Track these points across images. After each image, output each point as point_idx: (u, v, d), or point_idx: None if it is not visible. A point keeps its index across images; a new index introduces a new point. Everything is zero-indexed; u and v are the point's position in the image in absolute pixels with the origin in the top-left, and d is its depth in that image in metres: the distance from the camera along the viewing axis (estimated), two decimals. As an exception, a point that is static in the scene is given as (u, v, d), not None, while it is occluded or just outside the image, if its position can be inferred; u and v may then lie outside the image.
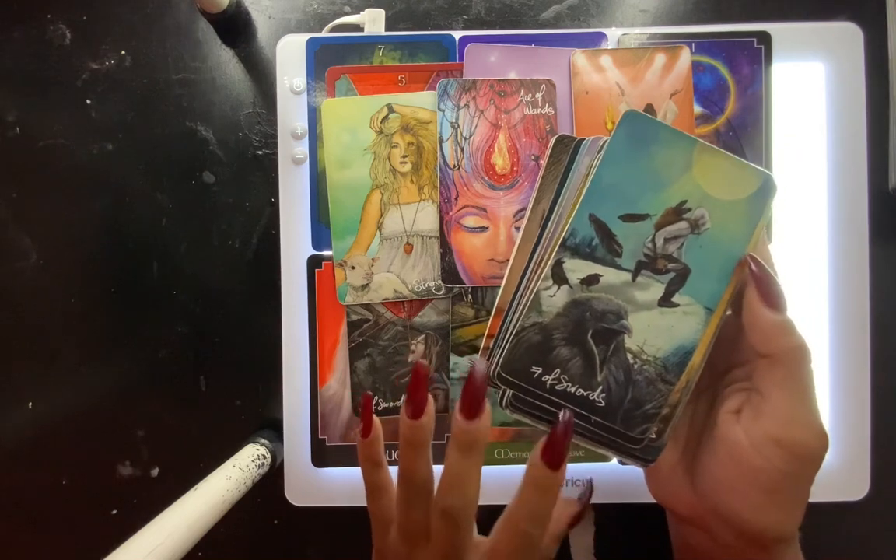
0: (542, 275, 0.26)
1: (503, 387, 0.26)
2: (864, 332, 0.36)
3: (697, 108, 0.35)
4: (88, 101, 0.39)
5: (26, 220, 0.40)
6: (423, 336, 0.36)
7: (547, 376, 0.26)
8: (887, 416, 0.37)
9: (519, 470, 0.37)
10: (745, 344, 0.25)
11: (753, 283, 0.25)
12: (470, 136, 0.35)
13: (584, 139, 0.28)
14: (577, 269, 0.26)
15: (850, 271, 0.36)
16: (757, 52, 0.36)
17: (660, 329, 0.25)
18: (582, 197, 0.26)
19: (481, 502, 0.34)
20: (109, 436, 0.40)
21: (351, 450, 0.37)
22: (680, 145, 0.25)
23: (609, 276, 0.26)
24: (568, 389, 0.26)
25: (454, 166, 0.35)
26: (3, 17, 0.39)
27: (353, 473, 0.37)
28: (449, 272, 0.35)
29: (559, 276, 0.26)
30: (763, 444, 0.23)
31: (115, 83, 0.39)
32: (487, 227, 0.35)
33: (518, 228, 0.35)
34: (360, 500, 0.36)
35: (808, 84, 0.36)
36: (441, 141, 0.35)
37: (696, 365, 0.25)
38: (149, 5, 0.39)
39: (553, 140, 0.28)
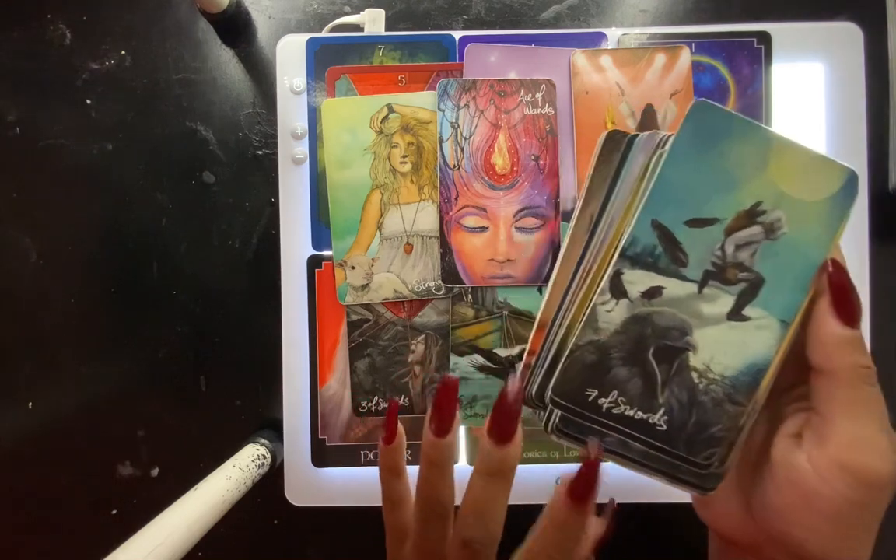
0: (599, 288, 0.24)
1: (555, 409, 0.24)
2: (864, 332, 0.36)
3: (697, 108, 0.35)
4: (88, 101, 0.39)
5: (26, 220, 0.40)
6: (423, 336, 0.36)
7: (603, 399, 0.24)
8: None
9: (523, 470, 0.37)
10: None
11: (829, 291, 0.22)
12: (470, 136, 0.35)
13: (637, 134, 0.25)
14: (637, 280, 0.23)
15: (851, 271, 0.36)
16: (757, 52, 0.36)
17: (729, 345, 0.23)
18: (644, 200, 0.23)
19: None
20: (109, 436, 0.40)
21: (350, 450, 0.37)
22: (755, 139, 0.23)
23: (673, 287, 0.23)
24: (626, 413, 0.24)
25: (454, 166, 0.35)
26: (3, 17, 0.39)
27: (353, 473, 0.37)
28: (449, 272, 0.35)
29: (618, 290, 0.23)
30: (828, 470, 0.22)
31: (115, 83, 0.39)
32: (487, 227, 0.35)
33: (519, 228, 0.35)
34: (360, 501, 0.37)
35: (808, 84, 0.36)
36: (441, 141, 0.35)
37: (767, 384, 0.23)
38: (149, 5, 0.39)
39: (603, 136, 0.26)
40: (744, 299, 0.23)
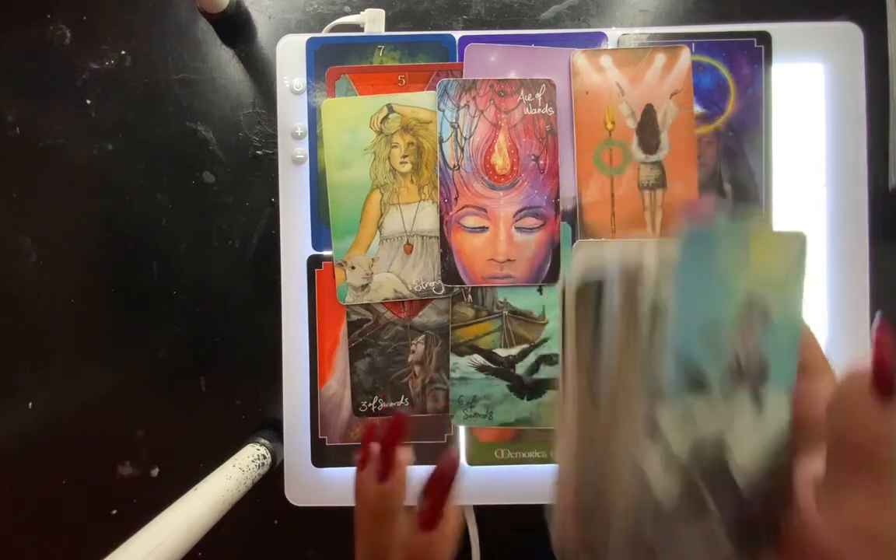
0: (639, 449, 0.23)
1: None
2: (865, 332, 0.36)
3: (697, 108, 0.35)
4: (88, 101, 0.39)
5: (26, 220, 0.40)
6: (423, 336, 0.36)
7: None
8: (887, 416, 0.37)
9: (519, 470, 0.37)
10: (819, 413, 0.22)
11: (873, 366, 0.20)
12: (470, 136, 0.35)
13: (603, 282, 0.24)
14: (672, 421, 0.23)
15: (851, 271, 0.36)
16: (757, 52, 0.36)
17: (754, 432, 0.24)
18: (664, 342, 0.23)
19: (483, 502, 0.34)
20: (109, 436, 0.40)
21: (350, 450, 0.36)
22: (736, 237, 0.24)
23: (701, 408, 0.24)
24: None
25: (454, 166, 0.35)
26: (3, 17, 0.39)
27: (353, 474, 0.37)
28: (449, 272, 0.35)
29: (658, 438, 0.24)
30: (846, 532, 0.21)
31: (115, 83, 0.39)
32: (487, 227, 0.35)
33: (519, 228, 0.35)
34: (360, 500, 0.37)
35: (808, 84, 0.36)
36: (441, 141, 0.35)
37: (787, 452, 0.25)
38: (149, 5, 0.39)
39: (573, 298, 0.24)
40: (757, 385, 0.24)
